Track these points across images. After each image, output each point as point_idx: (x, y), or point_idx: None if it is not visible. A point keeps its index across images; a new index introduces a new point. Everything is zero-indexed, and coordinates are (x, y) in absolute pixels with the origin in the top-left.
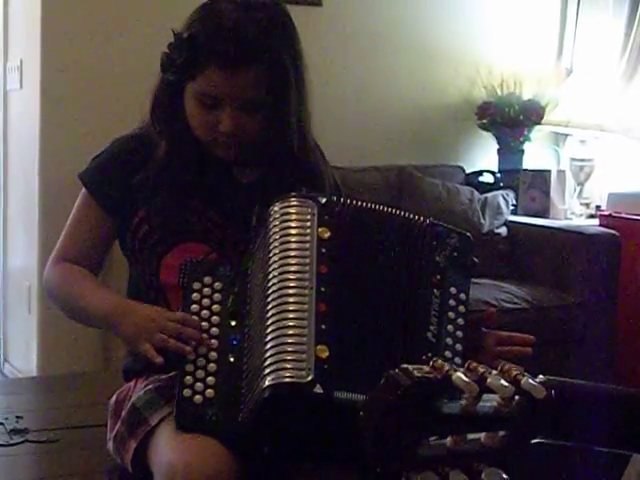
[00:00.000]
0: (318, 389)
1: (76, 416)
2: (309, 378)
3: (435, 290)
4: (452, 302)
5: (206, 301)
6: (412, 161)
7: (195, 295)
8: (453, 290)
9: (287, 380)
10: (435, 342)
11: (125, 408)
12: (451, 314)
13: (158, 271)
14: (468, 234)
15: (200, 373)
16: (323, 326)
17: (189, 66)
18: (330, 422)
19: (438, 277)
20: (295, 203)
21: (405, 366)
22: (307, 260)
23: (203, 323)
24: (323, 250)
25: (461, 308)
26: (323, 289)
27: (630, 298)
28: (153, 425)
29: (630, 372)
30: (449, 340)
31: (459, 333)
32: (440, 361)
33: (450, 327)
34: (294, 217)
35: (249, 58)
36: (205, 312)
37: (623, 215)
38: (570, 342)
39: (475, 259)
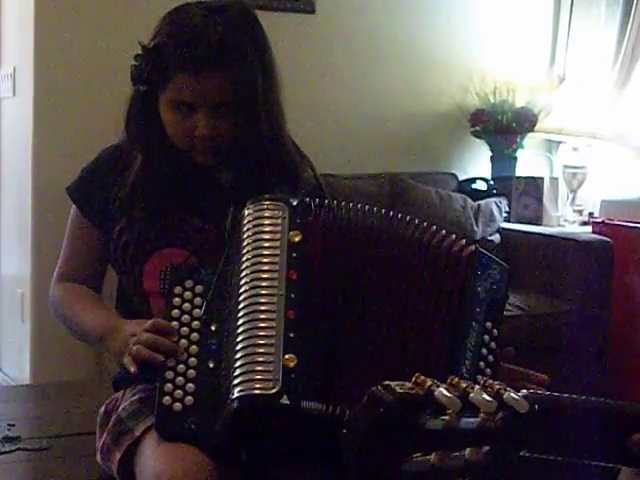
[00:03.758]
0: (285, 400)
1: (69, 424)
2: (276, 389)
3: (474, 323)
4: (486, 337)
5: (187, 305)
6: (405, 168)
7: (176, 300)
8: (489, 325)
9: (254, 392)
10: (468, 378)
11: (112, 419)
12: (484, 350)
13: (140, 278)
14: (507, 266)
15: (180, 380)
16: (291, 334)
17: (158, 75)
18: (304, 429)
19: (477, 309)
20: (267, 206)
21: (387, 382)
22: (277, 267)
23: (183, 328)
24: (294, 255)
25: (492, 345)
26: (293, 295)
27: (623, 305)
28: (138, 436)
29: (623, 380)
30: (479, 378)
31: (488, 371)
32: (422, 377)
33: (482, 364)
34: (266, 221)
35: (215, 61)
36: (186, 317)
37: (616, 222)
38: (563, 349)
39: (508, 293)
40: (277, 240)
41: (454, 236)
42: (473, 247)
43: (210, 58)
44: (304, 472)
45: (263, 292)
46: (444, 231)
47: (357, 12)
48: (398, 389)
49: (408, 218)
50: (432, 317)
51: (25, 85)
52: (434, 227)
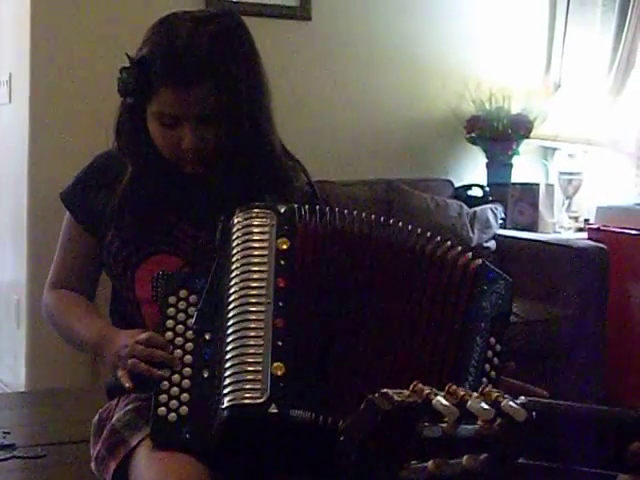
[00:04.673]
0: (273, 409)
1: (64, 431)
2: (264, 398)
3: (478, 338)
4: (490, 353)
5: (181, 315)
6: (401, 175)
7: (170, 310)
8: (492, 340)
9: (243, 402)
10: None
11: (106, 428)
12: (487, 366)
13: (133, 285)
14: (511, 280)
15: (175, 390)
16: (280, 342)
17: (144, 88)
18: (295, 437)
19: (482, 325)
20: (256, 214)
21: (385, 390)
22: (265, 275)
23: (178, 338)
24: (282, 262)
25: (495, 360)
26: (281, 303)
27: (619, 312)
28: (133, 446)
29: (619, 386)
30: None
31: (490, 387)
32: (420, 385)
33: (485, 380)
34: (255, 229)
35: (198, 74)
36: (180, 327)
37: (611, 228)
38: (559, 356)
39: (510, 307)
40: (265, 248)
41: (460, 248)
42: (480, 261)
43: (193, 71)
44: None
45: (252, 300)
46: (449, 242)
47: (353, 19)
48: (396, 397)
49: (410, 227)
50: (436, 331)
51: (21, 92)
52: (438, 237)
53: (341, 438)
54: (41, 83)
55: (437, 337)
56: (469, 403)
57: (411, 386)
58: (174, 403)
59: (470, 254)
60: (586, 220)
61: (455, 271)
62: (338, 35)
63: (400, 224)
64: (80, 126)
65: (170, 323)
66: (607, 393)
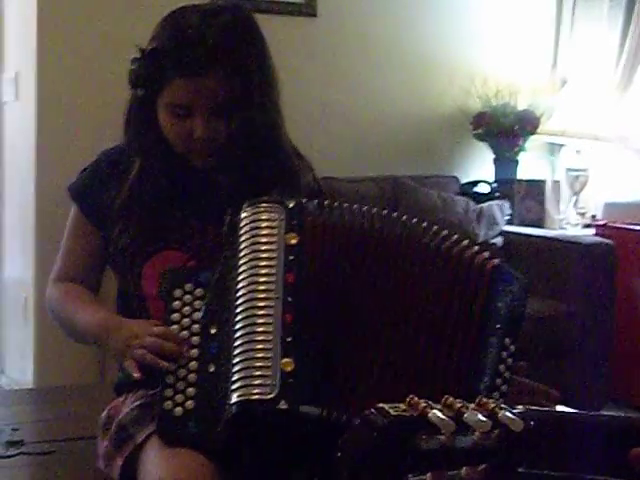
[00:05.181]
0: (283, 405)
1: (72, 428)
2: (273, 394)
3: (493, 339)
4: (504, 354)
5: (187, 309)
6: (407, 172)
7: (176, 303)
8: (507, 341)
9: (252, 397)
10: (485, 395)
11: (113, 425)
12: (502, 367)
13: (139, 281)
14: (527, 280)
15: (181, 385)
16: (289, 338)
17: (155, 79)
18: (304, 433)
19: (497, 325)
20: (264, 209)
21: (381, 405)
22: (274, 270)
23: (184, 332)
24: (290, 257)
25: (509, 361)
26: (290, 299)
27: (626, 308)
28: (139, 442)
29: (626, 383)
30: (496, 394)
31: (504, 387)
32: (415, 398)
33: (499, 380)
34: (263, 224)
35: (211, 64)
36: (186, 320)
37: (619, 224)
38: (566, 353)
39: (525, 308)
40: (274, 243)
41: (477, 247)
42: (496, 261)
43: (206, 61)
44: (305, 476)
45: (260, 296)
46: (466, 241)
47: (359, 15)
48: (392, 412)
49: (425, 224)
50: (451, 331)
51: (27, 89)
52: (455, 236)
53: (338, 454)
54: (48, 81)
55: (452, 337)
56: (466, 415)
57: (407, 400)
58: (180, 397)
59: (487, 254)
60: (593, 216)
61: (471, 270)
62: (344, 32)
63: (414, 220)
64: (87, 123)
65: (176, 316)
66: (614, 389)
